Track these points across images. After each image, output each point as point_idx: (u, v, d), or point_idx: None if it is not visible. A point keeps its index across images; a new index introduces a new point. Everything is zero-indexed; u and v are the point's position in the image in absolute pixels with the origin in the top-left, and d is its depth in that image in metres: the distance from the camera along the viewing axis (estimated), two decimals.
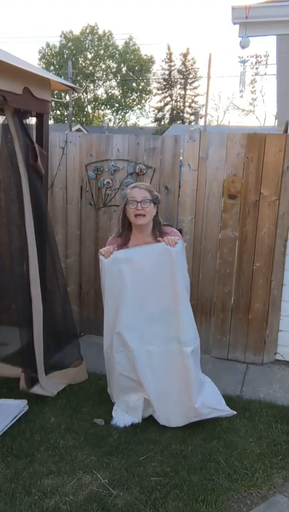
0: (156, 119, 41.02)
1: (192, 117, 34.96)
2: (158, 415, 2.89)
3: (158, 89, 40.42)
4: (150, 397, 2.86)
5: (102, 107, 39.16)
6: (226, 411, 2.93)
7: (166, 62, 39.94)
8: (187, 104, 40.65)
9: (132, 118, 43.36)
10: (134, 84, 37.88)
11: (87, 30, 36.95)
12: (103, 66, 37.63)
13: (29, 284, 3.06)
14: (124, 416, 2.92)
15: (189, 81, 40.00)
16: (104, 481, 2.42)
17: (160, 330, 2.82)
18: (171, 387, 2.84)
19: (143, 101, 40.23)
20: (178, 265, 2.78)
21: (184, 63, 39.69)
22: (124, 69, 37.22)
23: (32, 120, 3.15)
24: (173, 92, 40.60)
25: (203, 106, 34.96)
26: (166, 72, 40.07)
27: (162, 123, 39.32)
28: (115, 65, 37.62)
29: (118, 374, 2.92)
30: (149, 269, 2.79)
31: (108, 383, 3.09)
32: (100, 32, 37.05)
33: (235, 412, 2.94)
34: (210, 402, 2.85)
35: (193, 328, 2.86)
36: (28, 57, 45.82)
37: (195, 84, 40.08)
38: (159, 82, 40.18)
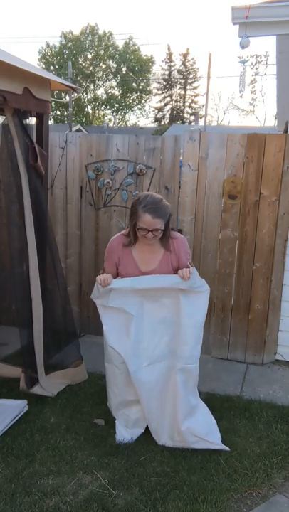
0: (156, 119, 41.02)
1: (192, 117, 34.95)
2: (151, 430, 2.78)
3: (158, 90, 40.44)
4: (145, 413, 2.75)
5: (102, 107, 39.16)
6: (217, 445, 2.67)
7: (166, 62, 39.97)
8: (187, 104, 40.67)
9: (132, 118, 43.45)
10: (134, 84, 37.87)
11: (87, 31, 36.94)
12: (103, 66, 37.62)
13: (29, 284, 3.06)
14: (126, 431, 2.80)
15: (189, 81, 40.01)
16: (104, 481, 2.42)
17: (161, 346, 2.73)
18: (163, 404, 2.73)
19: (143, 101, 40.24)
20: (186, 299, 2.68)
21: (183, 63, 39.70)
22: (124, 69, 37.21)
23: (32, 120, 3.15)
24: (173, 92, 40.60)
25: (203, 106, 34.95)
26: (166, 73, 40.08)
27: (162, 123, 39.32)
28: (115, 65, 37.61)
29: (120, 385, 2.78)
30: (166, 296, 2.70)
31: (108, 397, 2.94)
32: (100, 32, 37.06)
33: (228, 449, 2.67)
34: (198, 430, 2.66)
35: (194, 348, 2.72)
36: (28, 57, 45.90)
37: (195, 85, 40.13)
38: (159, 82, 40.20)
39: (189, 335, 2.69)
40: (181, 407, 2.67)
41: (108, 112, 39.16)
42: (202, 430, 2.69)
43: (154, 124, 39.52)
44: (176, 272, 2.71)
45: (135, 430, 2.82)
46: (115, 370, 2.76)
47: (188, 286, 2.66)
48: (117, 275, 2.82)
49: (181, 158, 3.89)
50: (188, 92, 40.38)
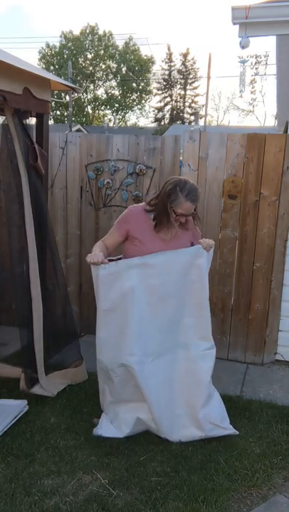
0: (156, 119, 41.02)
1: (192, 117, 34.93)
2: (159, 428, 2.75)
3: (158, 90, 40.43)
4: (153, 411, 2.70)
5: (102, 107, 39.16)
6: (229, 429, 2.76)
7: (166, 62, 39.97)
8: (187, 104, 40.67)
9: (132, 118, 43.47)
10: (134, 84, 37.87)
11: (87, 31, 36.93)
12: (103, 66, 37.61)
13: (29, 284, 3.06)
14: (108, 427, 2.79)
15: (189, 81, 40.00)
16: (104, 481, 2.42)
17: (168, 338, 2.73)
18: (175, 397, 2.72)
19: (143, 101, 40.23)
20: (207, 268, 2.73)
21: (183, 63, 39.70)
22: (124, 69, 37.20)
23: (32, 120, 3.15)
24: (173, 92, 40.60)
25: (203, 106, 34.96)
26: (166, 73, 40.07)
27: (162, 123, 39.32)
28: (115, 65, 37.61)
29: (115, 385, 2.73)
30: (176, 273, 2.68)
31: (100, 392, 2.89)
32: (100, 32, 37.06)
33: (237, 432, 2.78)
34: (214, 417, 2.74)
35: (208, 337, 2.77)
36: (28, 57, 45.89)
37: (195, 85, 40.11)
38: (159, 82, 40.19)
39: (196, 316, 2.73)
40: (202, 394, 2.71)
41: (108, 112, 39.16)
42: (218, 416, 2.76)
43: (154, 124, 39.52)
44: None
45: (123, 429, 2.78)
46: (110, 373, 2.72)
47: (207, 259, 2.70)
48: (115, 248, 2.80)
49: (181, 158, 3.89)
50: (188, 92, 40.40)
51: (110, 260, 2.69)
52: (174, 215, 2.61)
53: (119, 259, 2.77)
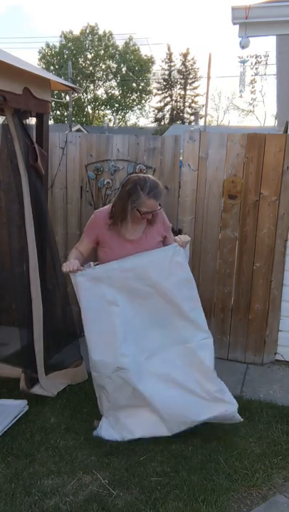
0: (156, 119, 41.01)
1: (192, 117, 34.91)
2: (168, 425, 2.72)
3: (158, 90, 40.42)
4: (158, 408, 2.68)
5: (102, 107, 39.15)
6: (233, 404, 2.75)
7: (166, 62, 39.97)
8: (187, 104, 40.65)
9: (132, 118, 43.41)
10: (134, 84, 37.86)
11: (87, 31, 36.92)
12: (103, 66, 37.60)
13: (29, 284, 3.06)
14: (108, 430, 2.77)
15: (189, 81, 39.99)
16: (104, 481, 2.42)
17: (160, 335, 2.72)
18: (182, 388, 2.70)
19: (143, 101, 40.22)
20: (187, 265, 2.73)
21: (183, 63, 39.68)
22: (124, 69, 37.20)
23: (32, 120, 3.15)
24: (173, 92, 40.59)
25: (203, 106, 34.96)
26: (166, 73, 40.07)
27: (162, 123, 39.31)
28: (115, 65, 37.60)
29: (111, 391, 2.71)
30: (156, 273, 2.66)
31: (98, 398, 2.85)
32: (100, 32, 37.05)
33: (241, 419, 2.79)
34: (225, 395, 2.74)
35: (203, 327, 2.77)
36: (28, 57, 45.89)
37: (195, 85, 40.09)
38: (159, 83, 40.18)
39: (188, 310, 2.73)
40: (208, 381, 2.70)
41: (108, 112, 39.15)
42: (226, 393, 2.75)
43: (154, 124, 39.51)
44: (164, 241, 2.78)
45: (123, 434, 2.76)
46: (105, 379, 2.70)
47: (185, 255, 2.71)
48: (89, 254, 2.79)
49: (181, 158, 3.89)
50: (188, 92, 40.38)
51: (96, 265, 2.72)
52: (139, 214, 2.59)
53: (97, 264, 2.78)
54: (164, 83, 40.18)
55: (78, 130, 22.01)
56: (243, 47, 4.26)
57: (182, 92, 40.47)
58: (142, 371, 2.67)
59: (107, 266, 2.67)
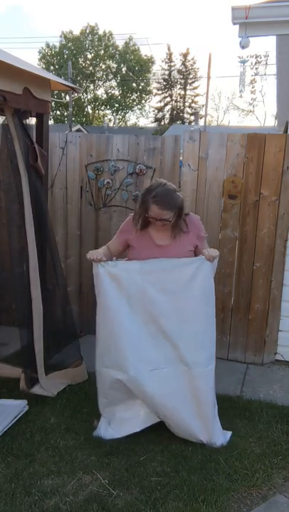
0: (156, 119, 41.01)
1: (192, 117, 34.91)
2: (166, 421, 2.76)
3: (158, 90, 40.42)
4: (158, 409, 2.70)
5: (102, 107, 39.15)
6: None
7: (166, 62, 39.97)
8: (187, 104, 40.66)
9: (132, 118, 43.41)
10: (134, 84, 37.86)
11: (87, 31, 36.92)
12: (103, 66, 37.61)
13: (29, 284, 3.06)
14: (107, 429, 2.77)
15: (189, 81, 39.99)
16: (104, 481, 2.42)
17: (167, 349, 2.64)
18: (180, 407, 2.69)
19: (143, 101, 40.23)
20: (210, 281, 2.66)
21: (183, 63, 39.69)
22: (124, 69, 37.20)
23: (32, 120, 3.15)
24: (173, 92, 40.59)
25: (203, 106, 34.94)
26: (166, 73, 40.07)
27: (162, 123, 39.31)
28: (115, 65, 37.60)
29: (111, 384, 2.70)
30: (175, 282, 2.60)
31: (98, 395, 2.85)
32: (100, 32, 37.05)
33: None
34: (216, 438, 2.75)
35: (208, 350, 2.70)
36: (28, 57, 45.90)
37: (195, 85, 40.10)
38: (159, 83, 40.18)
39: (199, 330, 2.66)
40: (208, 408, 2.69)
41: (108, 112, 39.16)
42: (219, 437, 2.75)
43: (154, 124, 39.51)
44: (196, 251, 2.71)
45: (122, 429, 2.76)
46: (108, 373, 2.69)
47: (211, 270, 2.63)
48: (118, 254, 2.78)
49: (181, 158, 3.89)
50: (188, 92, 40.39)
51: None
52: (150, 218, 2.58)
53: None
54: (164, 83, 40.18)
55: (78, 130, 22.01)
56: (243, 47, 4.26)
57: (182, 92, 40.49)
58: (144, 380, 2.64)
59: (128, 264, 2.66)
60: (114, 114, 37.78)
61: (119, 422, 2.79)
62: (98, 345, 2.75)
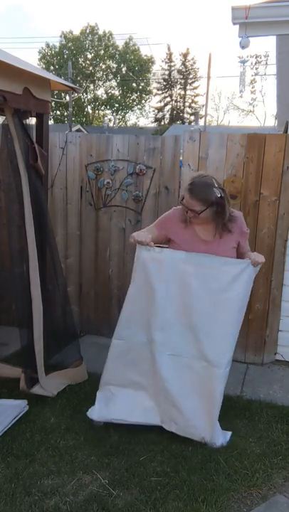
0: (156, 120, 41.03)
1: (192, 117, 34.93)
2: (162, 417, 2.78)
3: (158, 90, 40.44)
4: (169, 393, 2.70)
5: (102, 107, 39.17)
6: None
7: (166, 62, 39.98)
8: (187, 104, 40.69)
9: (132, 118, 43.44)
10: (134, 84, 37.87)
11: (87, 31, 36.94)
12: (103, 66, 37.62)
13: (29, 285, 3.06)
14: (101, 410, 2.77)
15: (189, 81, 40.01)
16: (104, 481, 2.42)
17: (190, 343, 2.66)
18: (190, 398, 2.70)
19: (143, 101, 40.25)
20: (250, 286, 2.65)
21: (183, 63, 39.71)
22: (124, 69, 37.21)
23: (32, 120, 3.15)
24: (173, 92, 40.61)
25: (203, 106, 34.97)
26: (166, 73, 40.08)
27: (162, 123, 39.33)
28: (115, 65, 37.61)
29: (119, 359, 2.75)
30: (215, 280, 2.59)
31: (105, 369, 2.87)
32: (100, 32, 37.07)
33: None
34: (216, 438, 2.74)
35: (230, 353, 2.71)
36: (28, 57, 45.90)
37: (195, 85, 40.14)
38: (159, 83, 40.20)
39: (225, 333, 2.68)
40: (216, 409, 2.69)
41: (108, 112, 39.18)
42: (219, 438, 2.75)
43: (154, 124, 39.54)
44: (238, 248, 2.71)
45: (117, 412, 2.77)
46: (123, 346, 2.72)
47: (252, 276, 2.61)
48: (157, 243, 2.74)
49: (181, 158, 3.89)
50: (188, 92, 40.42)
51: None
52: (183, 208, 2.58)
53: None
54: (164, 83, 40.20)
55: (78, 130, 22.03)
56: (243, 47, 4.26)
57: (182, 92, 40.51)
58: (162, 362, 2.67)
59: (175, 253, 2.64)
60: (114, 114, 37.80)
61: (116, 405, 2.78)
62: (122, 318, 2.75)
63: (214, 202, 2.54)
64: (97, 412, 2.78)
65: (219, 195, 2.54)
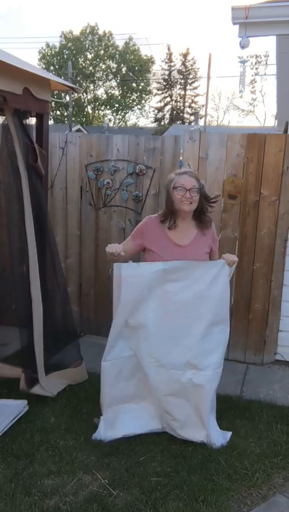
0: (156, 120, 41.01)
1: (192, 117, 34.95)
2: (161, 421, 2.80)
3: (158, 90, 40.43)
4: (160, 400, 2.73)
5: (102, 107, 39.17)
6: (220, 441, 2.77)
7: (166, 62, 39.96)
8: (187, 104, 40.66)
9: (132, 118, 43.41)
10: (134, 84, 37.87)
11: (87, 31, 36.95)
12: (103, 66, 37.62)
13: (29, 285, 3.06)
14: (106, 431, 2.77)
15: (189, 81, 39.99)
16: (104, 481, 2.42)
17: (177, 352, 2.66)
18: (183, 404, 2.71)
19: (143, 101, 40.25)
20: (228, 285, 2.70)
21: (183, 63, 39.69)
22: (124, 69, 37.22)
23: (32, 120, 3.15)
24: (173, 92, 40.60)
25: (203, 106, 35.00)
26: (166, 73, 40.08)
27: (162, 123, 39.31)
28: (115, 66, 37.62)
29: (115, 380, 2.75)
30: (195, 285, 2.63)
31: (101, 394, 2.84)
32: (100, 32, 37.07)
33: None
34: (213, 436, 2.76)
35: (220, 353, 2.73)
36: (28, 57, 45.91)
37: (195, 85, 40.11)
38: (159, 83, 40.18)
39: (217, 339, 2.71)
40: (211, 417, 2.73)
41: (108, 112, 39.18)
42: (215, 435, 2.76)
43: (154, 124, 39.52)
44: (210, 254, 2.77)
45: (122, 429, 2.77)
46: (114, 366, 2.73)
47: (228, 276, 2.66)
48: (130, 255, 2.75)
49: (181, 158, 3.89)
50: (188, 92, 40.40)
51: None
52: (177, 195, 2.60)
53: None
54: (164, 83, 40.18)
55: (78, 130, 22.03)
56: (243, 47, 4.25)
57: (182, 92, 40.49)
58: (151, 373, 2.68)
59: (152, 265, 2.64)
60: (114, 114, 37.80)
61: (120, 422, 2.79)
62: (110, 339, 2.74)
63: (202, 186, 2.69)
64: (103, 434, 2.76)
65: (202, 183, 2.71)
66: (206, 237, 2.75)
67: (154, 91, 40.22)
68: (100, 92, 38.54)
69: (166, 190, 2.69)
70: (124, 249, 2.67)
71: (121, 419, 2.79)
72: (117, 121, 35.93)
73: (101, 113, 39.30)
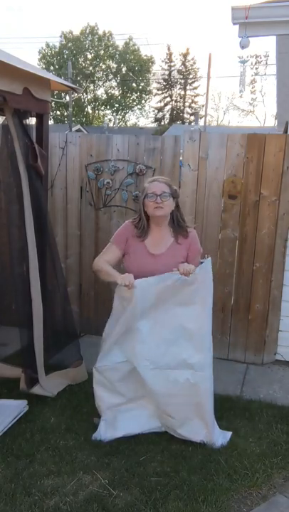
0: (156, 120, 41.03)
1: (192, 117, 34.96)
2: (161, 421, 2.81)
3: (158, 90, 40.45)
4: (157, 402, 2.73)
5: (102, 107, 39.18)
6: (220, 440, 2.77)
7: (166, 62, 39.98)
8: (187, 104, 40.69)
9: (132, 118, 43.38)
10: (134, 84, 37.88)
11: (87, 31, 36.97)
12: (103, 66, 37.64)
13: (29, 285, 3.06)
14: (106, 431, 2.76)
15: (189, 81, 40.01)
16: (104, 481, 2.42)
17: (168, 355, 2.66)
18: (181, 406, 2.71)
19: (143, 101, 40.27)
20: (202, 294, 2.67)
21: (183, 63, 39.71)
22: (124, 69, 37.23)
23: (32, 120, 3.15)
24: (173, 92, 40.61)
25: (203, 106, 34.99)
26: (166, 73, 40.09)
27: (162, 123, 39.32)
28: (115, 66, 37.63)
29: (117, 384, 2.75)
30: (165, 296, 2.63)
31: (96, 397, 2.84)
32: (100, 32, 37.08)
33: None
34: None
35: (210, 354, 2.72)
36: (28, 57, 45.91)
37: (195, 85, 40.14)
38: (158, 83, 40.20)
39: (208, 341, 2.71)
40: (209, 416, 2.72)
41: (108, 112, 39.20)
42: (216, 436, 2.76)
43: (154, 124, 39.53)
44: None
45: (122, 429, 2.77)
46: (110, 372, 2.73)
47: (199, 283, 2.63)
48: (116, 262, 2.77)
49: (181, 158, 3.89)
50: (188, 92, 40.42)
51: None
52: (149, 202, 2.62)
53: None
54: (164, 83, 40.20)
55: (78, 130, 22.04)
56: (243, 47, 4.26)
57: (182, 92, 40.51)
58: (147, 376, 2.68)
59: (145, 280, 2.61)
60: (114, 114, 37.81)
61: (120, 422, 2.78)
62: (104, 348, 2.76)
63: (175, 191, 2.70)
64: (103, 434, 2.76)
65: (175, 188, 2.73)
66: (181, 246, 2.73)
67: (154, 91, 40.29)
68: (100, 92, 38.61)
69: (140, 201, 2.72)
70: (108, 259, 2.74)
71: (120, 419, 2.80)
72: (117, 121, 35.95)
73: (101, 113, 39.33)
